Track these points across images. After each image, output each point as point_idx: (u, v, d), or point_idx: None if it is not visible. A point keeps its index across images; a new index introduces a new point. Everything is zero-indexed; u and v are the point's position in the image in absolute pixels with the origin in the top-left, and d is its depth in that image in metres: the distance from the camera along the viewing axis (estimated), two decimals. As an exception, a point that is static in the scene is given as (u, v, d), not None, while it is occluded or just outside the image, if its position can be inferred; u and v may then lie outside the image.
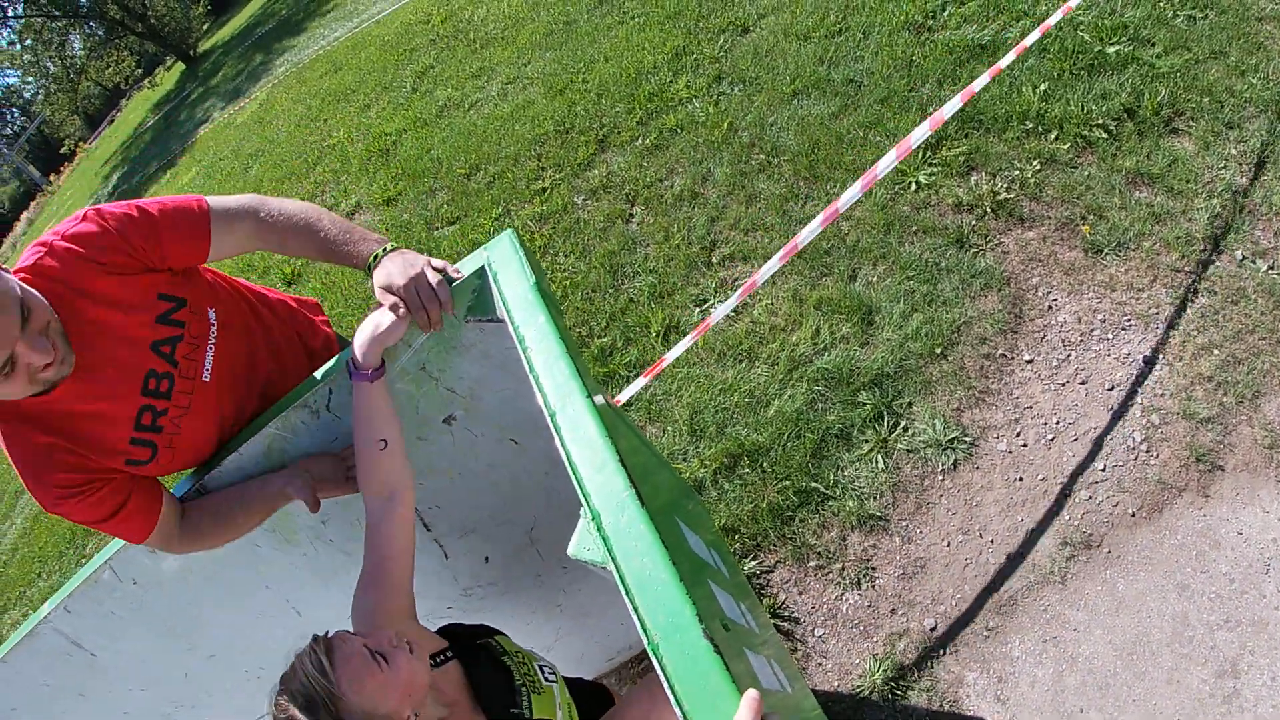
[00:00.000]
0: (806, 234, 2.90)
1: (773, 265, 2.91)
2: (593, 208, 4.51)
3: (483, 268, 1.28)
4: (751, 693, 0.73)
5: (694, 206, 3.97)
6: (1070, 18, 3.72)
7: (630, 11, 6.28)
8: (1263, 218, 3.10)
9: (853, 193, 2.92)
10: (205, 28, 29.44)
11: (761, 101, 4.29)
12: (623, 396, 3.01)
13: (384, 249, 1.38)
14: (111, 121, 31.31)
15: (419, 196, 5.52)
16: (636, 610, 0.79)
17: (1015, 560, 2.61)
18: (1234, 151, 3.31)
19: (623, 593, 0.81)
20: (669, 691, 0.75)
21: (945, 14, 4.25)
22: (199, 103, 15.97)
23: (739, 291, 2.90)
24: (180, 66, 23.70)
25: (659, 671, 0.76)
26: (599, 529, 0.86)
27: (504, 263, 1.25)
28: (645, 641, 0.77)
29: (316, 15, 14.79)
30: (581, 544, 0.89)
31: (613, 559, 0.83)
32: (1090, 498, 2.67)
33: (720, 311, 2.92)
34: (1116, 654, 2.45)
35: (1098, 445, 2.73)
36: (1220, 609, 2.48)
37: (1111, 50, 3.65)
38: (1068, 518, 2.64)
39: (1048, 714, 2.41)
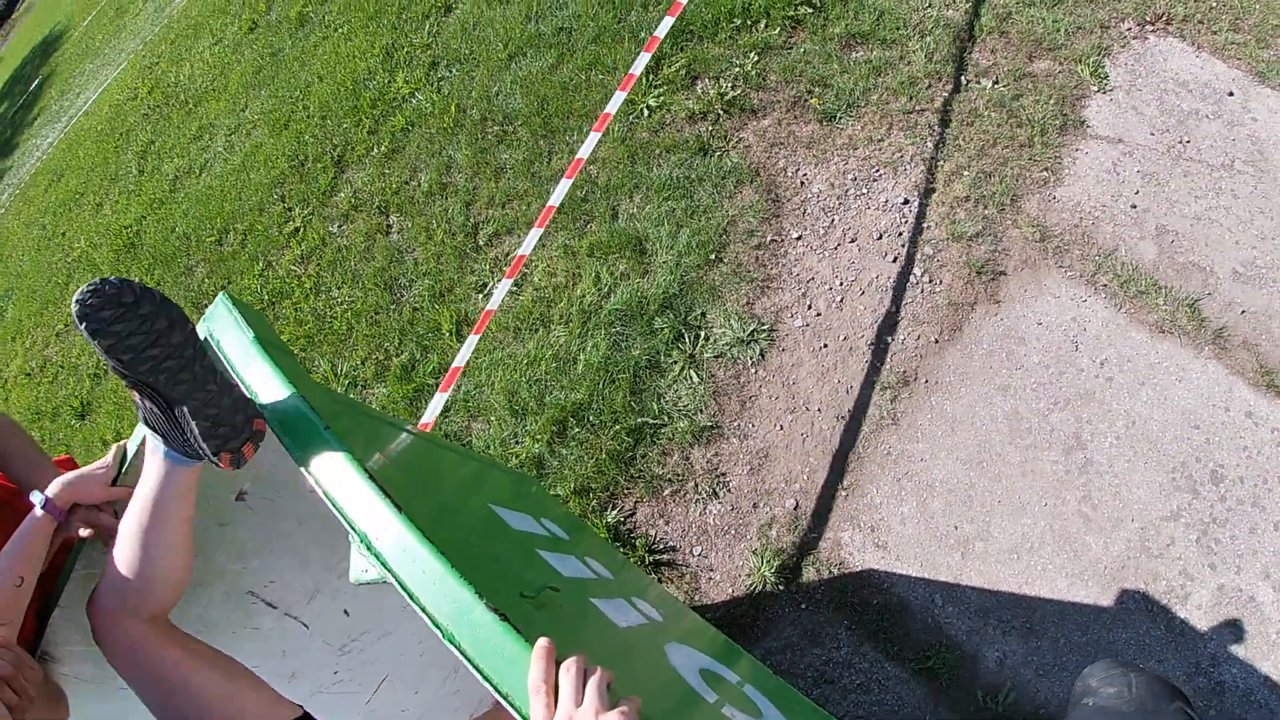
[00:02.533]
0: (558, 193, 3.21)
1: (534, 233, 3.18)
2: (350, 231, 4.58)
3: (205, 340, 1.33)
4: (541, 641, 0.83)
5: (446, 197, 4.16)
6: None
7: (331, 24, 6.45)
8: (976, 40, 3.62)
9: (591, 140, 3.28)
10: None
11: (481, 75, 4.58)
12: (436, 405, 3.12)
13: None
14: None
15: (178, 279, 5.37)
16: (424, 609, 0.90)
17: (845, 419, 2.90)
18: None
19: (407, 598, 0.92)
20: (471, 669, 0.85)
21: None
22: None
23: (509, 269, 3.14)
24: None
25: (458, 656, 0.86)
26: (369, 549, 0.97)
27: (222, 329, 1.32)
28: (441, 636, 0.89)
29: (24, 128, 14.47)
30: (358, 569, 1.00)
31: (389, 571, 0.95)
32: (893, 339, 3.08)
33: (498, 295, 3.13)
34: (967, 467, 2.78)
35: (884, 291, 3.17)
36: (1045, 395, 2.87)
37: None
38: (879, 365, 2.97)
39: (926, 543, 2.67)
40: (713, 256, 3.19)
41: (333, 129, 5.16)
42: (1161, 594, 2.59)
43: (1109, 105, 3.40)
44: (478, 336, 2.96)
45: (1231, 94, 3.52)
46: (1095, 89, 3.41)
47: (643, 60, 3.35)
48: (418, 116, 4.67)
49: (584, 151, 3.20)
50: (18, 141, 14.28)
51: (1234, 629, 2.57)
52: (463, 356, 2.91)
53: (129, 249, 6.19)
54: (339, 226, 4.58)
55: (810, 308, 3.08)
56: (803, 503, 2.79)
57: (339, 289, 4.23)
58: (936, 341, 2.93)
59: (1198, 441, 2.81)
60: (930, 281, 3.01)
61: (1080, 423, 2.82)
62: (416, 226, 4.15)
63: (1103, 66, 3.47)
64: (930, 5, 3.67)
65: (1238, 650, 2.48)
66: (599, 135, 3.22)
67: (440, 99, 4.62)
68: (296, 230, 4.78)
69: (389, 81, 5.09)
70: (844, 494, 2.76)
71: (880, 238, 3.11)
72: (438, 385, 3.28)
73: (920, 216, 3.13)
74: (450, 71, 4.79)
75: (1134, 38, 3.62)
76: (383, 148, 4.70)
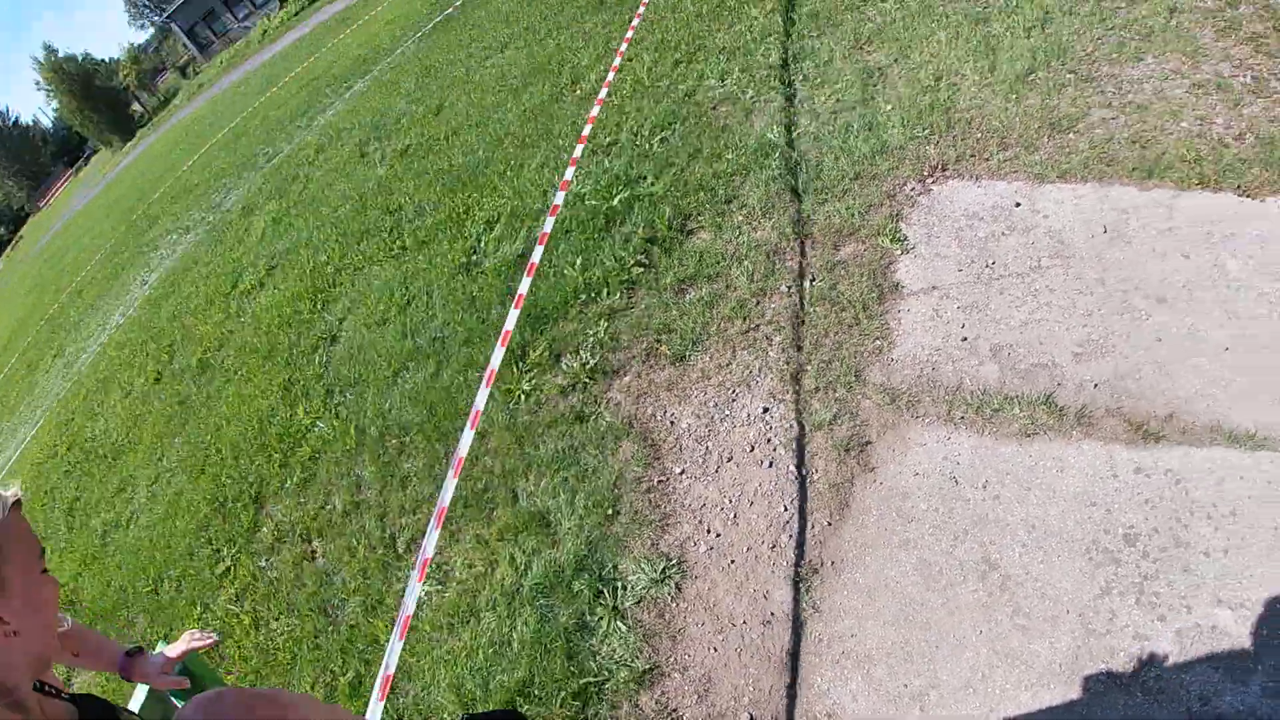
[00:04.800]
0: (446, 492, 3.91)
1: (432, 534, 3.84)
2: (278, 563, 5.20)
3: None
4: None
5: (361, 514, 4.83)
6: (573, 194, 5.42)
7: (230, 367, 7.43)
8: (786, 251, 4.57)
9: (467, 437, 4.03)
10: None
11: (373, 394, 5.40)
12: (375, 714, 3.60)
13: None
14: None
15: (121, 633, 5.91)
16: None
17: (771, 623, 3.32)
18: (741, 218, 4.74)
19: None
20: None
21: (482, 245, 5.72)
22: None
23: (414, 572, 3.78)
24: None
25: None
26: None
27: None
28: None
29: None
30: None
31: None
32: (791, 536, 3.65)
33: (411, 598, 3.76)
34: (896, 627, 3.18)
35: (770, 495, 3.68)
36: (944, 534, 3.36)
37: (616, 201, 5.18)
38: (786, 562, 3.46)
39: (882, 710, 3.02)
40: (610, 511, 3.83)
41: (246, 467, 5.93)
42: (1124, 665, 2.95)
43: (915, 262, 4.20)
44: (401, 642, 3.51)
45: (1019, 204, 4.34)
46: (899, 252, 4.21)
47: (499, 354, 4.14)
48: (322, 444, 5.45)
49: (463, 450, 3.90)
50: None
51: (1208, 661, 2.92)
52: (391, 663, 3.43)
53: (69, 605, 6.76)
54: (267, 560, 5.21)
55: (709, 531, 3.68)
56: (756, 714, 3.16)
57: (276, 620, 4.79)
58: (830, 524, 3.47)
59: (1099, 516, 3.29)
60: (808, 472, 3.64)
61: (985, 546, 3.30)
62: (339, 547, 4.79)
63: (899, 230, 4.29)
64: (739, 232, 4.54)
65: (1221, 678, 2.83)
66: (473, 432, 3.95)
67: (340, 423, 5.42)
68: (227, 570, 5.41)
69: (291, 414, 5.93)
70: (792, 693, 3.15)
71: (753, 449, 3.78)
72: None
73: (782, 418, 3.81)
74: (345, 396, 5.62)
75: (919, 194, 4.50)
76: (295, 478, 5.44)
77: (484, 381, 3.89)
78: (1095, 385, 3.61)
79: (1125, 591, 3.12)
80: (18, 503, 1.38)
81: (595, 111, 5.14)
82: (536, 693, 3.46)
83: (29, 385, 14.64)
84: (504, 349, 3.94)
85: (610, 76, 5.68)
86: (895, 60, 5.43)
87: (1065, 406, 3.57)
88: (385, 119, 9.48)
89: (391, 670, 3.40)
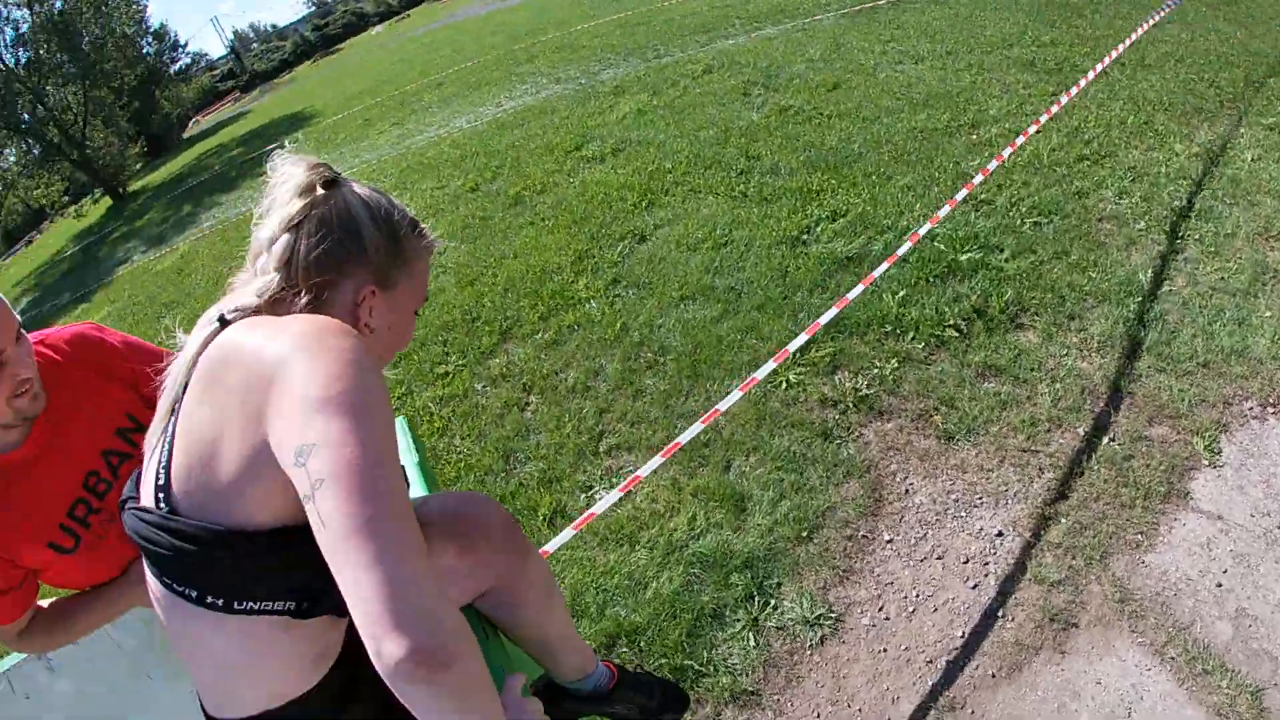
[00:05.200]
0: (689, 433, 4.05)
1: (656, 460, 4.01)
2: (492, 394, 5.63)
3: None
4: None
5: (585, 399, 5.10)
6: (929, 234, 5.32)
7: (541, 214, 7.97)
8: (1101, 396, 4.28)
9: (733, 397, 4.14)
10: (139, 168, 33.72)
11: (652, 304, 5.67)
12: None
13: None
14: (30, 243, 34.40)
15: None
16: None
17: None
18: (1075, 340, 4.50)
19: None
20: None
21: (818, 229, 5.80)
22: (121, 242, 18.47)
23: (623, 483, 3.94)
24: (107, 201, 27.74)
25: None
26: None
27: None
28: None
29: (250, 176, 17.40)
30: None
31: None
32: (951, 663, 3.52)
33: (604, 503, 3.92)
34: None
35: (957, 614, 3.62)
36: None
37: (964, 258, 5.06)
38: (931, 684, 3.37)
39: None
40: (804, 534, 3.82)
41: (510, 303, 6.38)
42: None
43: (1216, 481, 3.83)
44: (574, 532, 3.71)
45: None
46: (1206, 463, 3.86)
47: (800, 340, 4.19)
48: (586, 320, 5.76)
49: (725, 405, 4.01)
50: (240, 184, 17.40)
51: None
52: (554, 544, 3.65)
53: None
54: (484, 386, 5.62)
55: (882, 610, 3.60)
56: None
57: (462, 440, 5.18)
58: (994, 676, 3.31)
59: None
60: (1003, 616, 3.46)
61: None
62: (551, 414, 5.08)
63: (1218, 441, 3.92)
64: (1067, 354, 4.31)
65: None
66: (741, 395, 4.05)
67: (610, 313, 5.70)
68: (447, 375, 5.89)
69: (572, 281, 6.30)
70: None
71: (966, 562, 3.64)
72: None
73: (1009, 551, 3.64)
74: (627, 292, 5.90)
75: (1254, 417, 4.07)
76: (547, 335, 5.79)
77: (774, 358, 3.93)
78: (1303, 733, 3.15)
79: None
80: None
81: (993, 166, 4.97)
82: (642, 644, 3.55)
83: (358, 136, 16.22)
84: (808, 338, 3.95)
85: (1020, 140, 5.44)
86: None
87: (1269, 710, 3.16)
88: (780, 72, 9.60)
89: (549, 550, 3.58)
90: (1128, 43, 6.77)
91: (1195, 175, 5.96)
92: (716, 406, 3.82)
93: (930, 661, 3.38)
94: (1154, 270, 4.98)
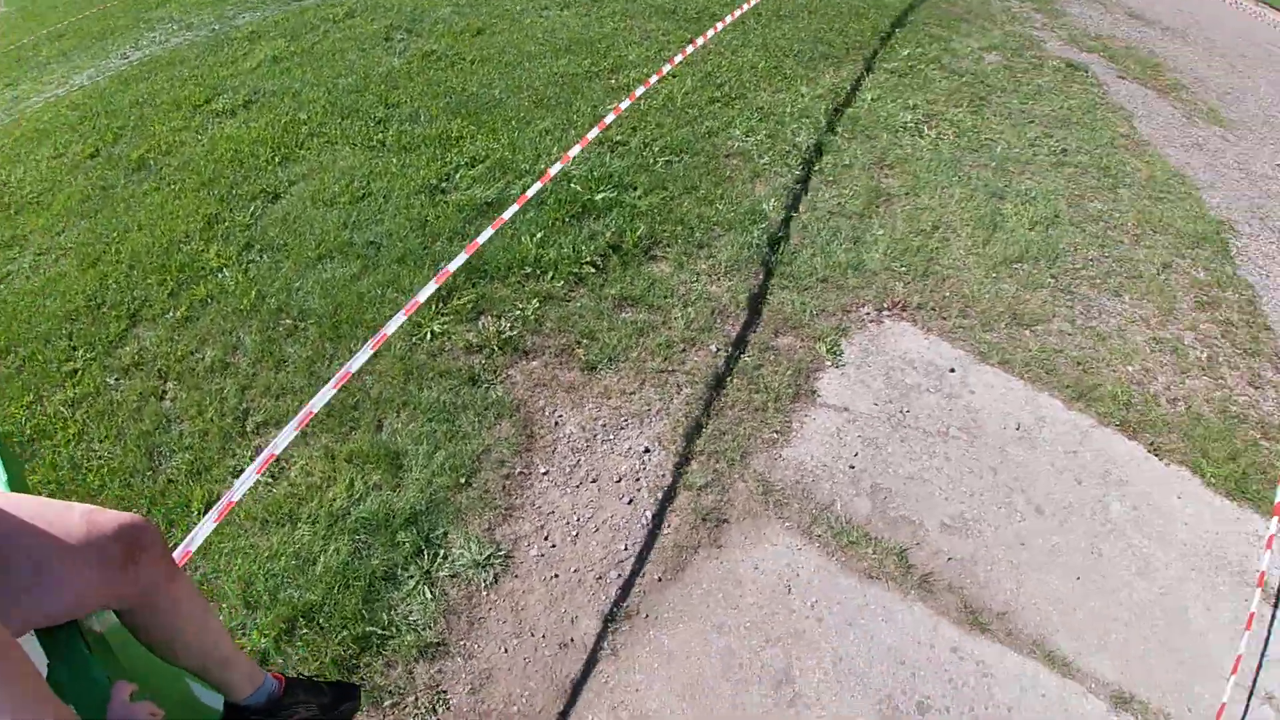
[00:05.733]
0: (320, 399, 3.85)
1: (289, 433, 3.73)
2: (126, 387, 5.02)
3: None
4: None
5: (225, 377, 4.70)
6: (564, 171, 5.43)
7: (167, 177, 7.16)
8: (731, 315, 4.66)
9: (363, 356, 3.98)
10: None
11: (289, 267, 5.31)
12: None
13: None
14: None
15: None
16: None
17: (568, 647, 3.36)
18: (705, 266, 4.88)
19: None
20: None
21: (457, 177, 5.71)
22: None
23: (256, 464, 3.70)
24: None
25: None
26: None
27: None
28: None
29: None
30: None
31: None
32: (620, 576, 3.70)
33: (240, 487, 3.65)
34: (680, 699, 3.25)
35: (617, 529, 3.76)
36: (758, 633, 3.45)
37: (599, 197, 5.23)
38: (605, 598, 3.51)
39: None
40: (462, 480, 3.82)
41: (137, 280, 5.71)
42: None
43: (840, 378, 4.33)
44: (215, 523, 3.44)
45: (953, 370, 4.51)
46: (830, 364, 4.34)
47: (429, 289, 4.10)
48: (220, 292, 5.29)
49: (354, 365, 3.86)
50: None
51: None
52: (196, 539, 3.36)
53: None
54: (116, 379, 5.02)
55: (547, 539, 3.71)
56: None
57: (100, 443, 4.63)
58: (660, 580, 3.54)
59: (904, 676, 3.45)
60: (660, 525, 3.71)
61: (790, 659, 3.42)
62: (191, 399, 4.65)
63: (839, 344, 4.43)
64: (697, 279, 4.63)
65: None
66: (372, 352, 3.91)
67: (244, 280, 5.28)
68: (75, 372, 5.19)
69: (202, 250, 5.74)
70: None
71: (619, 481, 3.82)
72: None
73: (659, 464, 3.87)
74: (261, 256, 5.48)
75: (870, 321, 4.65)
76: (179, 313, 5.26)
77: (403, 309, 3.84)
78: (949, 559, 3.78)
79: None
80: None
81: (625, 105, 5.16)
82: (321, 621, 3.43)
83: (-35, 101, 13.76)
84: (436, 286, 3.90)
85: (653, 80, 5.70)
86: (906, 194, 5.62)
87: (914, 566, 3.73)
88: (425, 16, 9.31)
89: (193, 547, 3.32)
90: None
91: (819, 115, 6.59)
92: (347, 368, 3.67)
93: (600, 578, 3.55)
94: (777, 200, 5.45)
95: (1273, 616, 4.17)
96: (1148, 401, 4.78)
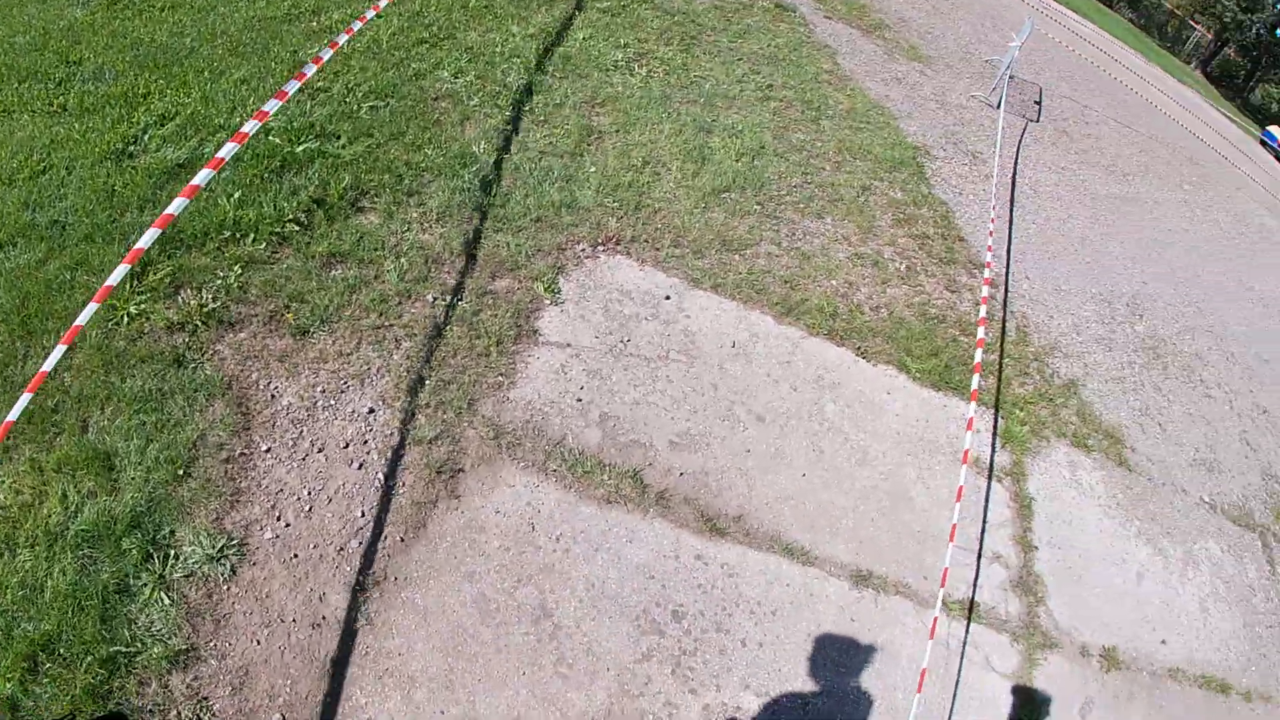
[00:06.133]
0: (17, 408, 3.39)
1: None
2: None
3: None
4: None
5: (-98, 394, 4.15)
6: (263, 127, 5.12)
7: None
8: (446, 263, 4.55)
9: (57, 352, 3.58)
10: None
11: (-38, 263, 4.69)
12: None
13: None
14: None
15: None
16: None
17: (321, 626, 3.28)
18: (415, 215, 4.70)
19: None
20: None
21: (146, 138, 5.22)
22: None
23: None
24: None
25: None
26: None
27: None
28: None
29: None
30: None
31: None
32: (360, 544, 3.62)
33: None
34: (444, 654, 3.27)
35: (351, 497, 3.65)
36: (509, 575, 3.51)
37: (300, 149, 4.89)
38: (349, 568, 3.42)
39: None
40: (181, 472, 3.59)
41: None
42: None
43: (560, 315, 4.44)
44: None
45: (669, 298, 4.76)
46: (549, 302, 4.43)
47: (120, 271, 3.76)
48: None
49: (49, 365, 3.49)
50: None
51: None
52: None
53: None
54: None
55: (280, 519, 3.57)
56: (289, 717, 3.11)
57: None
58: (403, 540, 3.52)
59: (655, 589, 3.67)
60: (394, 485, 3.67)
61: (544, 594, 3.53)
62: None
63: (556, 282, 4.53)
64: (409, 229, 4.54)
65: None
66: (65, 347, 3.56)
67: None
68: None
69: None
70: (329, 702, 3.14)
71: (347, 446, 3.75)
72: None
73: (385, 424, 3.82)
74: None
75: (586, 257, 4.78)
76: None
77: (94, 296, 3.53)
78: (681, 474, 4.03)
79: (664, 661, 3.52)
80: None
81: (327, 55, 4.94)
82: (62, 652, 3.14)
83: None
84: (127, 267, 3.61)
85: (356, 26, 5.48)
86: (617, 131, 5.79)
87: (650, 485, 3.94)
88: (109, -39, 8.32)
89: None
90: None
91: (529, 54, 6.57)
92: (42, 368, 3.33)
93: (341, 549, 3.49)
94: (488, 142, 5.43)
95: (988, 488, 4.80)
96: (852, 311, 5.27)
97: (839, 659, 3.89)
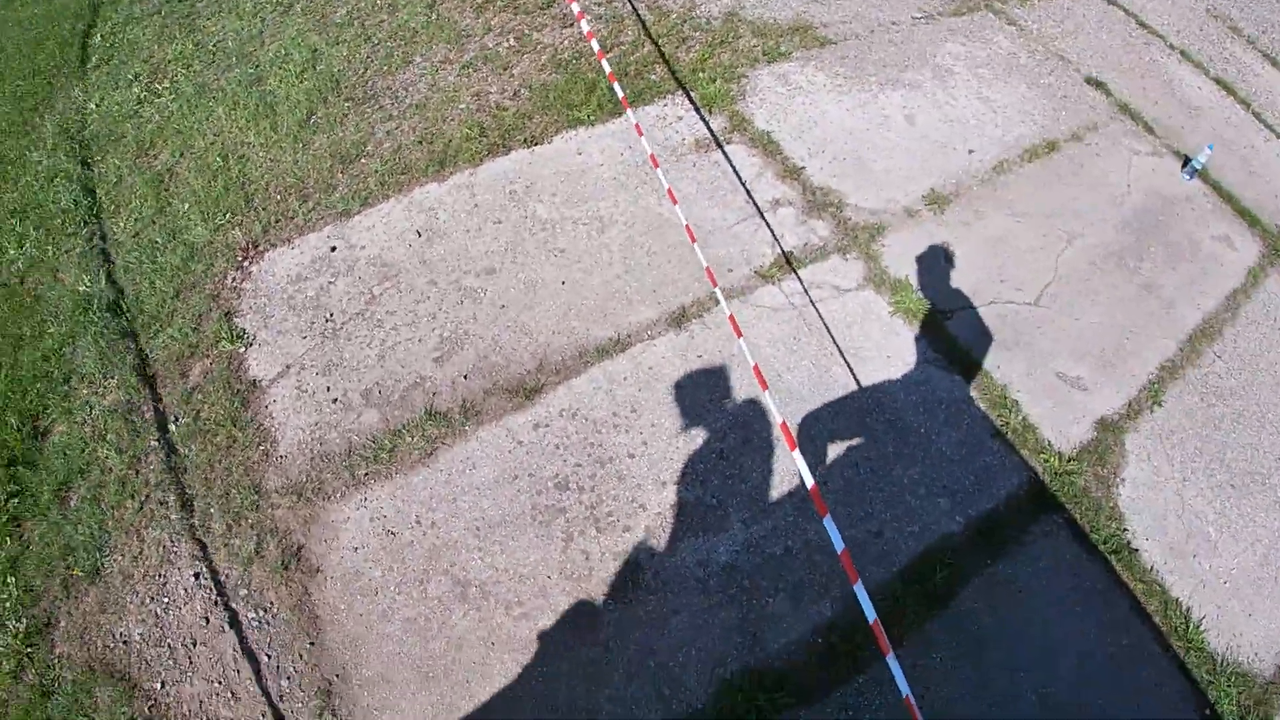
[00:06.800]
0: None
1: None
2: None
3: None
4: None
5: None
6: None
7: None
8: (140, 403, 4.22)
9: None
10: None
11: None
12: None
13: None
14: None
15: None
16: None
17: None
18: (85, 391, 4.39)
19: None
20: None
21: None
22: None
23: None
24: None
25: None
26: None
27: None
28: None
29: None
30: None
31: None
32: (288, 678, 3.51)
33: None
34: (424, 689, 3.45)
35: (248, 653, 3.60)
36: (409, 585, 3.51)
37: None
38: (298, 705, 3.43)
39: None
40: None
41: None
42: (620, 586, 3.53)
43: (261, 351, 4.24)
44: None
45: (334, 248, 4.57)
46: (242, 348, 4.25)
47: None
48: None
49: None
50: None
51: (687, 533, 3.63)
52: None
53: None
54: None
55: (215, 720, 3.55)
56: None
57: None
58: (313, 644, 3.49)
59: (525, 484, 3.75)
60: (266, 611, 3.61)
61: (449, 572, 3.59)
62: None
63: (234, 327, 4.31)
64: (89, 408, 4.27)
65: (706, 539, 3.61)
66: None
67: None
68: None
69: None
70: None
71: (208, 620, 3.61)
72: None
73: (217, 572, 3.73)
74: None
75: (242, 282, 4.54)
76: None
77: None
78: (465, 377, 3.99)
79: (584, 529, 3.61)
80: None
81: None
82: None
83: None
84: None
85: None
86: (182, 154, 5.38)
87: (448, 410, 3.92)
88: None
89: None
90: None
91: (64, 164, 5.87)
92: None
93: (281, 697, 3.49)
94: (89, 272, 4.98)
95: (725, 155, 4.89)
96: (496, 115, 5.15)
97: (712, 394, 4.04)
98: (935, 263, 4.56)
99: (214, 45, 6.33)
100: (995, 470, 3.88)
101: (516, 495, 3.72)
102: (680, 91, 5.33)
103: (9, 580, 3.92)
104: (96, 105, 6.01)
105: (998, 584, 3.55)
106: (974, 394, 4.09)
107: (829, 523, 3.07)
